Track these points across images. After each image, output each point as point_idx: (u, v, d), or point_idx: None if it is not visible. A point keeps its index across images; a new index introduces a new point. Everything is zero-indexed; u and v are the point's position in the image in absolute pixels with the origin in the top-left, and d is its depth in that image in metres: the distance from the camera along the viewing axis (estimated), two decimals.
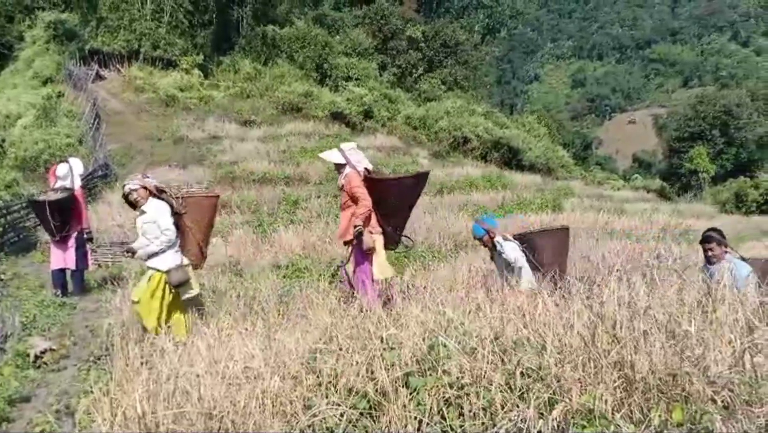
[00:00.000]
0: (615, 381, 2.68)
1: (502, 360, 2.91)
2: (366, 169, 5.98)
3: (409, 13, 48.63)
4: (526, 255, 5.74)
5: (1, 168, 16.63)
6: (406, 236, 6.29)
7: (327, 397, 2.93)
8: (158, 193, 5.68)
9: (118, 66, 34.90)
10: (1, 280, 9.56)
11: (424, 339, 3.23)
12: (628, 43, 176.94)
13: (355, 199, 5.83)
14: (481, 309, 3.82)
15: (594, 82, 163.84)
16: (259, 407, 2.87)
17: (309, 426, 2.76)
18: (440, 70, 46.37)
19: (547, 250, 5.85)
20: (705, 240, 5.85)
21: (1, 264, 10.58)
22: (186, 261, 5.68)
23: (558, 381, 2.72)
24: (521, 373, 2.79)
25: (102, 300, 7.16)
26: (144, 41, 35.15)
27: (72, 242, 8.59)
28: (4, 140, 20.83)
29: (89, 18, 34.96)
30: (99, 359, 4.94)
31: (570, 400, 2.60)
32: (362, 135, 33.41)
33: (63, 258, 8.56)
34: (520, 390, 2.72)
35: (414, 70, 45.62)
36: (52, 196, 8.60)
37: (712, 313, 3.29)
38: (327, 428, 2.77)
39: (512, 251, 5.65)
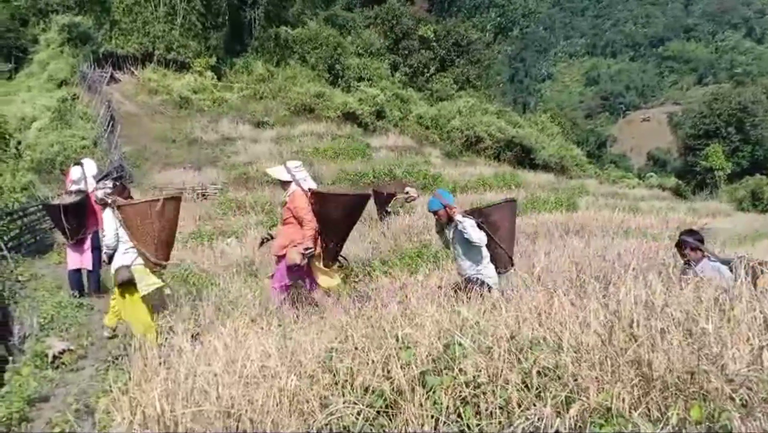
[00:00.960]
0: (632, 379, 2.67)
1: (519, 359, 2.91)
2: (309, 189, 6.20)
3: (421, 13, 48.64)
4: (485, 231, 5.76)
5: (17, 171, 16.77)
6: (342, 256, 6.50)
7: (343, 396, 2.94)
8: (103, 203, 5.95)
9: (132, 68, 35.18)
10: (19, 281, 9.65)
11: (439, 338, 3.23)
12: (641, 41, 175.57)
13: (299, 220, 6.00)
14: (497, 308, 3.82)
15: (608, 79, 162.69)
16: (277, 406, 2.89)
17: (326, 425, 2.78)
18: (452, 69, 46.34)
19: (503, 224, 5.93)
20: (678, 245, 5.78)
21: (19, 266, 10.67)
22: (138, 261, 5.83)
23: (575, 380, 2.71)
24: (538, 372, 2.79)
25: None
26: (157, 44, 35.40)
27: (88, 243, 8.64)
28: (20, 143, 21.02)
29: (103, 21, 35.26)
30: (117, 358, 4.97)
31: (587, 398, 2.59)
32: (374, 135, 33.47)
33: (79, 259, 8.62)
34: (536, 389, 2.71)
35: (426, 70, 45.63)
36: (67, 199, 8.66)
37: (730, 311, 3.27)
38: (344, 427, 2.78)
39: (475, 230, 5.64)
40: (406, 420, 2.75)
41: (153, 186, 20.90)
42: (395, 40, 45.15)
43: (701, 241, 5.70)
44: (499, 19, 57.61)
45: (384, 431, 2.79)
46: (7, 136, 12.33)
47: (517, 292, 4.32)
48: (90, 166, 9.02)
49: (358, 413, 2.79)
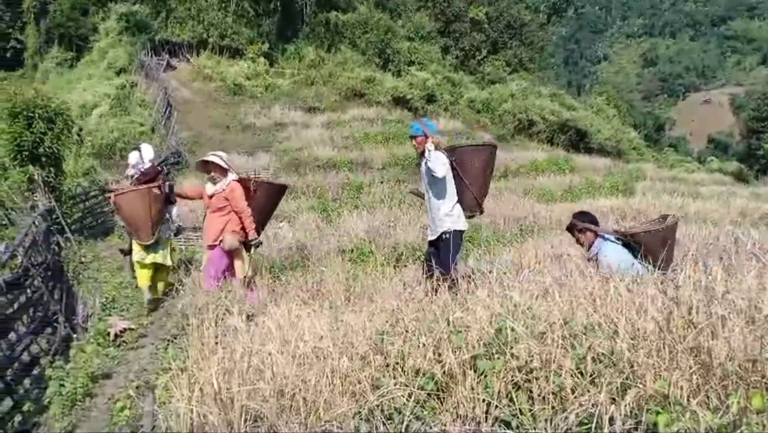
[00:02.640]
0: (691, 367, 2.60)
1: (572, 345, 2.87)
2: (248, 177, 6.91)
3: None
4: (454, 169, 5.70)
5: (79, 156, 17.36)
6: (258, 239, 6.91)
7: (395, 378, 2.96)
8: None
9: (187, 56, 35.87)
10: (82, 263, 10.03)
11: (491, 322, 3.21)
12: (702, 20, 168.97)
13: (237, 209, 6.46)
14: (549, 294, 3.77)
15: (666, 60, 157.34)
16: (329, 386, 2.93)
17: (377, 406, 2.80)
18: (504, 51, 45.59)
19: (474, 165, 5.79)
20: (569, 229, 5.54)
21: (82, 248, 11.08)
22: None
23: (631, 367, 2.67)
24: (592, 358, 2.75)
25: (176, 282, 7.43)
26: (212, 31, 35.96)
27: None
28: (81, 129, 21.76)
29: (159, 9, 36.03)
30: (175, 337, 5.13)
31: (643, 386, 2.55)
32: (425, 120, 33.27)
33: None
34: (591, 375, 2.68)
35: (477, 53, 45.00)
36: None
37: None
38: (395, 408, 2.80)
39: (438, 162, 5.51)
40: (458, 403, 2.76)
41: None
42: (446, 23, 44.64)
43: (594, 222, 5.41)
44: None
45: (435, 413, 2.80)
46: (70, 123, 12.74)
47: (571, 277, 4.24)
48: (147, 152, 9.23)
49: (409, 395, 2.81)
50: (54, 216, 10.99)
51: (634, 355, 2.73)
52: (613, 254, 5.03)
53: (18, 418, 4.14)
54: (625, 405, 2.45)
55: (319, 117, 30.35)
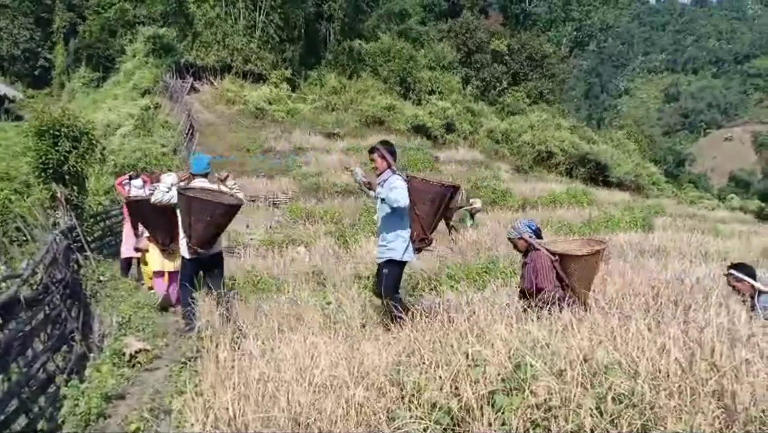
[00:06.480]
0: (714, 411, 2.55)
1: (592, 383, 2.82)
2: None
3: (495, 26, 48.33)
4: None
5: (101, 175, 17.54)
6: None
7: (410, 410, 2.92)
8: None
9: (211, 79, 36.40)
10: (100, 281, 10.08)
11: (509, 357, 3.17)
12: (725, 57, 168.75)
13: None
14: (568, 329, 3.72)
15: (688, 96, 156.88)
16: (344, 416, 2.90)
17: None
18: (525, 83, 45.81)
19: (190, 209, 6.38)
20: (369, 151, 5.92)
21: (100, 266, 11.15)
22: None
23: (652, 408, 2.62)
24: (612, 398, 2.70)
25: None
26: (236, 56, 36.54)
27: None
28: (104, 148, 22.07)
29: (186, 33, 36.70)
30: (190, 360, 5.12)
31: (665, 428, 2.50)
32: (444, 148, 33.38)
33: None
34: (611, 415, 2.63)
35: (498, 84, 45.27)
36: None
37: None
38: None
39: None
40: None
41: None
42: (468, 53, 45.02)
43: (393, 154, 5.78)
44: (575, 33, 56.60)
45: None
46: (95, 142, 12.91)
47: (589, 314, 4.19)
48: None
49: (425, 429, 2.77)
50: (74, 234, 11.09)
51: (656, 396, 2.68)
52: (404, 185, 5.49)
53: None
54: None
55: (339, 143, 30.56)
